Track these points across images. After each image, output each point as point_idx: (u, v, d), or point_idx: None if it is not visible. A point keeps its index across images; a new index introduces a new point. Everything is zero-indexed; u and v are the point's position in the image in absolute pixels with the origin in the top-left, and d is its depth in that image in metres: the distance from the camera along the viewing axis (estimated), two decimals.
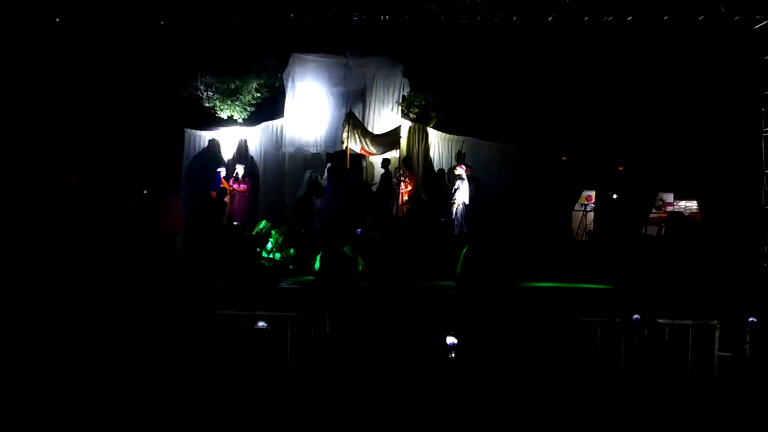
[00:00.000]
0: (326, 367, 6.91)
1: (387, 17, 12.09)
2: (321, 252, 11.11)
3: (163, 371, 5.77)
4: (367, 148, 13.91)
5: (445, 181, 14.32)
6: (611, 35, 12.32)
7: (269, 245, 11.65)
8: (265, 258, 11.48)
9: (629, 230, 13.60)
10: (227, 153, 14.52)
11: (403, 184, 13.75)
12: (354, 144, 13.77)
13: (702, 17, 11.54)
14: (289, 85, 14.69)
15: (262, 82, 14.69)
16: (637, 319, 7.07)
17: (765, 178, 11.71)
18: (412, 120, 14.64)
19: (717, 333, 7.52)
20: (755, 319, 6.72)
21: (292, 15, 11.97)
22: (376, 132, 14.25)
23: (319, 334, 7.52)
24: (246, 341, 4.50)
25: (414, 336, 7.80)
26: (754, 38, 11.74)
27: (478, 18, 12.03)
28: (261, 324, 5.72)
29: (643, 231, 15.22)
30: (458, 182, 13.51)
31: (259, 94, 14.79)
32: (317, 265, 11.80)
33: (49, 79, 13.31)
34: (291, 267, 12.45)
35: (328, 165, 13.89)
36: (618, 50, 12.69)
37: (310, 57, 14.63)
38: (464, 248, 11.51)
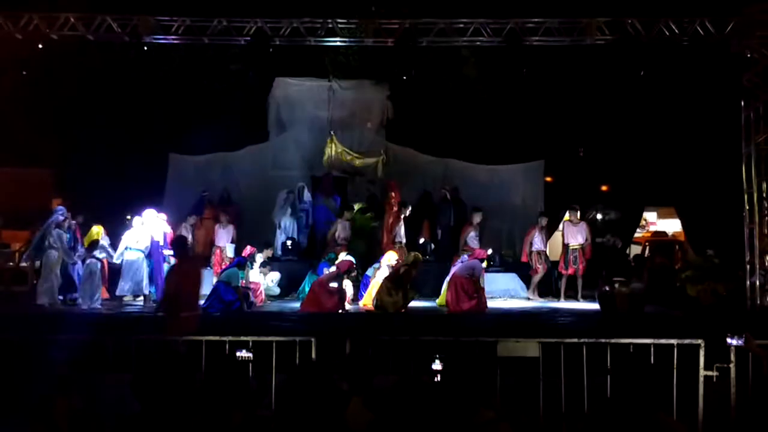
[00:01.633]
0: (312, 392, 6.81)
1: (371, 42, 12.21)
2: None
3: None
4: (350, 170, 13.94)
5: (430, 203, 14.36)
6: (595, 57, 12.43)
7: (251, 269, 11.59)
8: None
9: (615, 250, 13.65)
10: (212, 177, 14.52)
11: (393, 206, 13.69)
12: (337, 167, 13.80)
13: (685, 41, 11.71)
14: (274, 108, 14.74)
15: None
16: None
17: (746, 197, 11.81)
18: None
19: (702, 352, 7.50)
20: (734, 341, 6.72)
21: (276, 41, 12.06)
22: (359, 155, 14.27)
23: (305, 359, 7.46)
24: (228, 370, 4.42)
25: (401, 360, 7.75)
26: (732, 60, 11.91)
27: (461, 42, 12.16)
28: (242, 353, 5.55)
29: (627, 252, 15.36)
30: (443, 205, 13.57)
31: None
32: (306, 289, 11.77)
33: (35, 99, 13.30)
34: (274, 294, 12.41)
35: (299, 186, 13.90)
36: (602, 72, 12.80)
37: (294, 81, 14.70)
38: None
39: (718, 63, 12.25)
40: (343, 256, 11.58)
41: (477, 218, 12.77)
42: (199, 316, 8.37)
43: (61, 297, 11.27)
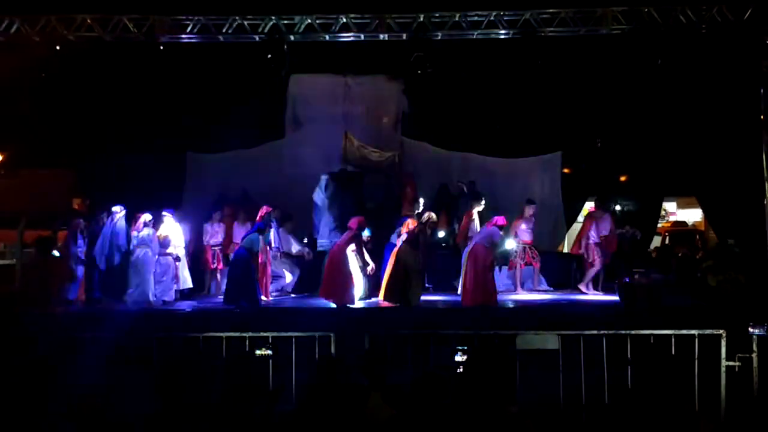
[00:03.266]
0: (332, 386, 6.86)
1: (385, 37, 12.22)
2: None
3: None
4: (366, 166, 13.93)
5: (447, 197, 14.33)
6: (612, 45, 12.35)
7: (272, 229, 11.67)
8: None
9: (634, 241, 13.55)
10: (229, 175, 14.62)
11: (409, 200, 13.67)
12: (353, 162, 13.79)
13: (703, 28, 11.60)
14: (289, 105, 14.79)
15: None
16: None
17: (766, 185, 11.69)
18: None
19: (723, 342, 7.46)
20: (757, 331, 6.68)
21: (291, 37, 12.11)
22: (376, 150, 14.24)
23: (325, 354, 7.50)
24: (248, 366, 4.44)
25: (420, 354, 7.78)
26: (751, 46, 11.78)
27: (475, 35, 12.12)
28: (262, 350, 5.54)
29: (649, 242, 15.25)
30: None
31: None
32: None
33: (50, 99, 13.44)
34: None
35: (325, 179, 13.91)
36: (619, 61, 12.72)
37: (309, 77, 14.71)
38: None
39: (736, 50, 12.11)
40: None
41: (529, 210, 12.63)
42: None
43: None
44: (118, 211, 11.43)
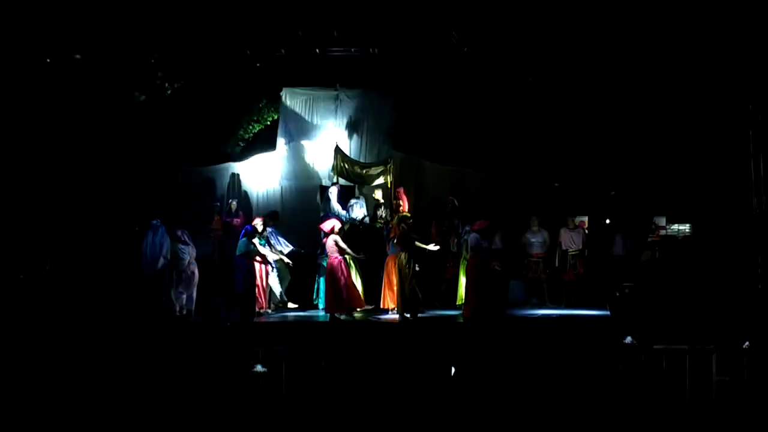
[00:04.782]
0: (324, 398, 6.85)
1: (376, 51, 12.27)
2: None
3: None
4: (356, 180, 13.94)
5: (438, 209, 14.33)
6: (600, 59, 12.46)
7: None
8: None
9: (627, 255, 13.62)
10: (220, 188, 14.60)
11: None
12: (343, 176, 13.78)
13: (690, 40, 11.72)
14: (281, 118, 14.81)
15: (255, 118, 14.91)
16: (631, 342, 7.03)
17: (754, 200, 11.76)
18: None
19: (714, 358, 7.49)
20: (749, 345, 6.72)
21: (282, 51, 12.14)
22: (366, 166, 14.21)
23: (315, 367, 7.48)
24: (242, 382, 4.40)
25: (416, 366, 7.77)
26: (741, 59, 11.89)
27: (465, 50, 12.19)
28: (258, 367, 5.49)
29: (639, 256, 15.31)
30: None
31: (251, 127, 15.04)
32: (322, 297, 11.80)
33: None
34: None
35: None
36: (607, 72, 12.84)
37: (301, 90, 14.74)
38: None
39: (724, 66, 12.23)
40: None
41: (534, 223, 12.93)
42: None
43: None
44: (159, 224, 11.57)
